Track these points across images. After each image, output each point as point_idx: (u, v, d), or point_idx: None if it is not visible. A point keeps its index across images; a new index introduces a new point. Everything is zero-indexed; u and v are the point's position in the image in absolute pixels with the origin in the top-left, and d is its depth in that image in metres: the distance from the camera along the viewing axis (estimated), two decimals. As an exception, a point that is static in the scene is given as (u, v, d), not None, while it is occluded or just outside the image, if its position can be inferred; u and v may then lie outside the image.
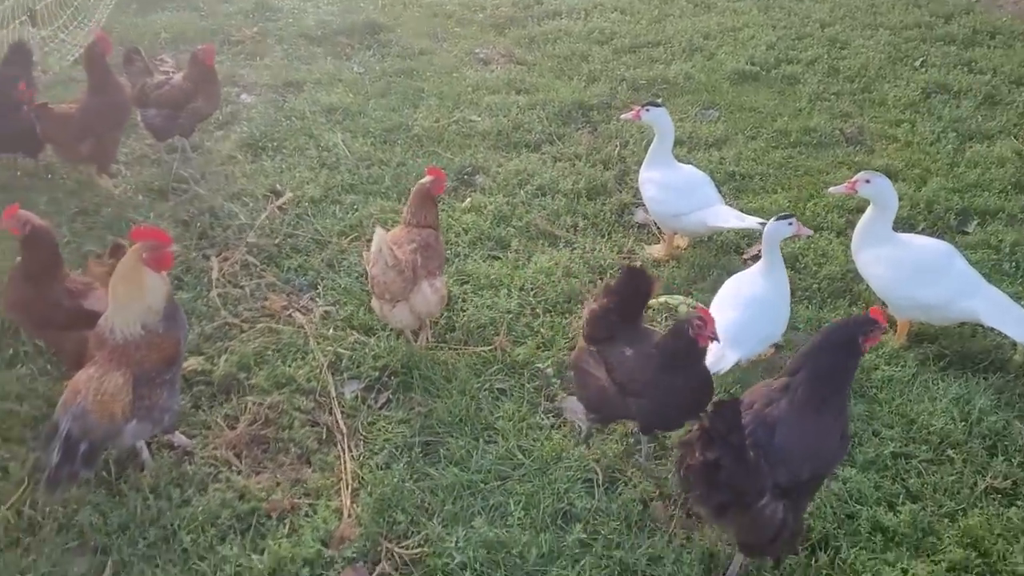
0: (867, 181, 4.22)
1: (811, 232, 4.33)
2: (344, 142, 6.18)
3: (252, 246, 4.97)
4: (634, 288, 3.42)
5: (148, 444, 3.60)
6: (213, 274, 4.70)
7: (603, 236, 5.17)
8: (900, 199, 4.40)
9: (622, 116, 5.10)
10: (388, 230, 4.09)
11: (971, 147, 5.95)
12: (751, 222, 4.63)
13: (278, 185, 5.59)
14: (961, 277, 4.09)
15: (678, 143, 6.18)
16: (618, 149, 6.14)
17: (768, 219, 4.61)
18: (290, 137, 6.25)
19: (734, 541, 3.11)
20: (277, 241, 5.03)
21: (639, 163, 5.21)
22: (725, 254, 5.02)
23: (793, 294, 4.51)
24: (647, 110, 4.85)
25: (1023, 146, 5.89)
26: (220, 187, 5.55)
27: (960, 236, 5.04)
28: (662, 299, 4.55)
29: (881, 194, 4.22)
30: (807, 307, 4.47)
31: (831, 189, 4.49)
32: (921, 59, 7.33)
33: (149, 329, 3.38)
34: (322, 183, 5.62)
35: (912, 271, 4.12)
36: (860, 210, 4.82)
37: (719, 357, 3.80)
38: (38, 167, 5.69)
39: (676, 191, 4.81)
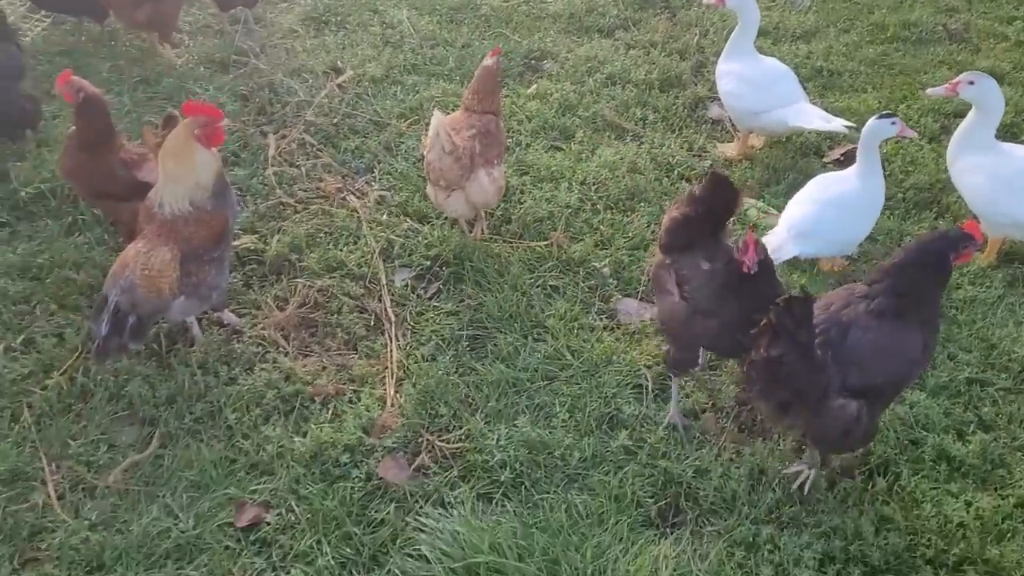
0: (971, 83, 3.85)
1: (915, 134, 3.98)
2: (409, 19, 5.91)
3: (310, 124, 4.83)
4: (720, 199, 3.09)
5: (199, 320, 3.59)
6: (270, 152, 4.59)
7: (673, 131, 4.88)
8: (1005, 104, 4.02)
9: (704, 1, 4.72)
10: (448, 114, 3.90)
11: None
12: (837, 124, 4.29)
13: (339, 62, 5.39)
14: None
15: (762, 34, 5.74)
16: (697, 38, 5.75)
17: (855, 121, 4.30)
18: (354, 12, 6.00)
19: (804, 436, 3.00)
20: (335, 121, 4.88)
21: (718, 54, 4.84)
22: (804, 156, 4.70)
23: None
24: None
25: None
26: (280, 62, 5.39)
27: (1068, 149, 4.61)
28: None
29: (986, 97, 3.85)
30: (890, 217, 4.16)
31: (929, 91, 4.11)
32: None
33: (198, 206, 3.31)
34: (384, 62, 5.41)
35: (1013, 184, 3.78)
36: (959, 115, 4.44)
37: (779, 245, 3.63)
38: (103, 33, 5.59)
39: (756, 86, 4.47)
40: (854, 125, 4.32)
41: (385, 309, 3.73)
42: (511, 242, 4.10)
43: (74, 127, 3.72)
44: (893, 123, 3.70)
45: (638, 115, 4.99)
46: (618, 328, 3.68)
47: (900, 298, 2.79)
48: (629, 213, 4.27)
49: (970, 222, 2.99)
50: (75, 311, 3.67)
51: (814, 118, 4.36)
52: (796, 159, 4.66)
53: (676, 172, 4.53)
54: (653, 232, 4.15)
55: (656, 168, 4.56)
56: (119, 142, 3.76)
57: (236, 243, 3.99)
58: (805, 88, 4.76)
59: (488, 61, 3.89)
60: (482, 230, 4.09)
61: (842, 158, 4.59)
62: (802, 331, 2.69)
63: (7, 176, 4.28)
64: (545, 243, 4.06)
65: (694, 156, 4.70)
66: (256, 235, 4.08)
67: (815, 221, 3.68)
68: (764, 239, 3.68)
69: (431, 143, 3.69)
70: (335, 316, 3.69)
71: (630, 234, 4.11)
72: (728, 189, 3.07)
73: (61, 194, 4.22)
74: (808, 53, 5.52)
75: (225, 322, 3.65)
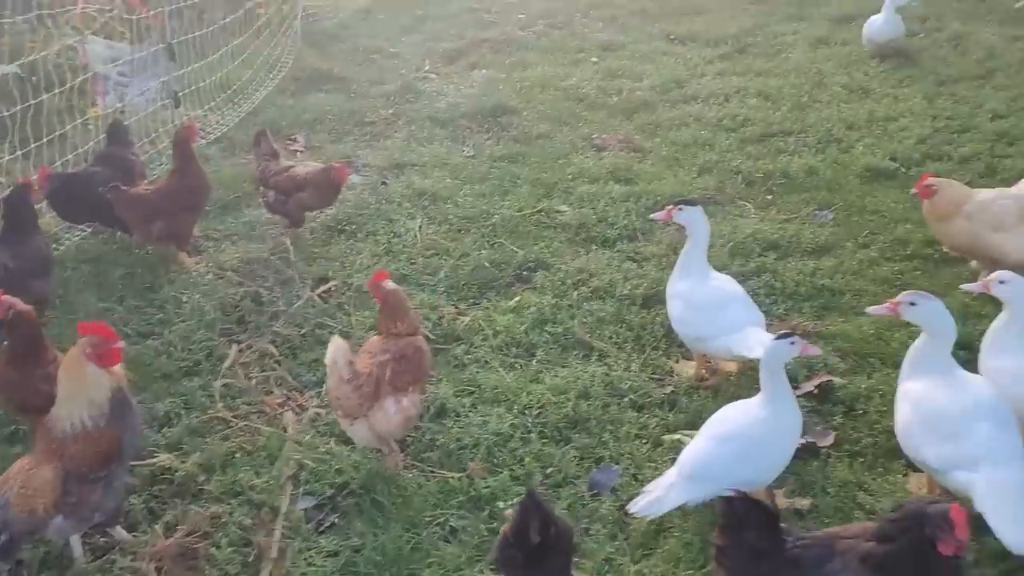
0: (912, 303, 3.45)
1: (818, 352, 3.57)
2: (420, 228, 6.04)
3: (277, 335, 4.88)
4: (529, 528, 2.57)
5: (93, 533, 3.52)
6: (226, 363, 4.64)
7: (643, 352, 4.58)
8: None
9: (652, 216, 4.55)
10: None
11: None
12: None
13: (330, 272, 5.51)
14: None
15: (775, 247, 5.48)
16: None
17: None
18: (371, 221, 6.20)
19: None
20: (304, 332, 4.92)
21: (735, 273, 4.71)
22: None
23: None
24: (680, 209, 4.27)
25: None
26: (273, 272, 5.55)
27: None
28: (676, 436, 3.91)
29: (929, 320, 3.43)
30: (851, 466, 3.64)
31: (869, 309, 3.68)
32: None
33: (88, 424, 3.32)
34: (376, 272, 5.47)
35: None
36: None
37: (664, 492, 3.25)
38: (133, 241, 6.01)
39: (703, 310, 4.15)
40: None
41: (271, 544, 3.52)
42: (428, 471, 3.85)
43: (6, 342, 3.89)
44: (792, 343, 3.36)
45: (611, 332, 4.74)
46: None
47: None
48: (562, 444, 3.95)
49: (955, 506, 2.52)
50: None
51: (755, 345, 3.90)
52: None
53: (627, 399, 4.19)
54: (586, 469, 3.80)
55: (608, 394, 4.24)
56: (49, 356, 3.88)
57: (153, 461, 3.96)
58: (783, 308, 4.41)
59: (387, 284, 3.86)
60: (397, 462, 3.86)
61: (816, 390, 4.12)
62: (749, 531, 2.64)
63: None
64: (459, 475, 3.78)
65: (654, 380, 4.36)
66: (177, 452, 4.04)
67: (709, 461, 3.27)
68: (650, 485, 3.32)
69: (329, 370, 3.59)
70: (215, 549, 3.52)
71: (552, 467, 3.78)
72: (536, 517, 2.56)
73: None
74: (815, 269, 5.16)
75: (116, 537, 3.56)
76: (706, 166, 6.76)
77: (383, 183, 6.91)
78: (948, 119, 7.09)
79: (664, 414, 4.09)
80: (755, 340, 3.90)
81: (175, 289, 5.36)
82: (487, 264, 5.50)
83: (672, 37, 10.55)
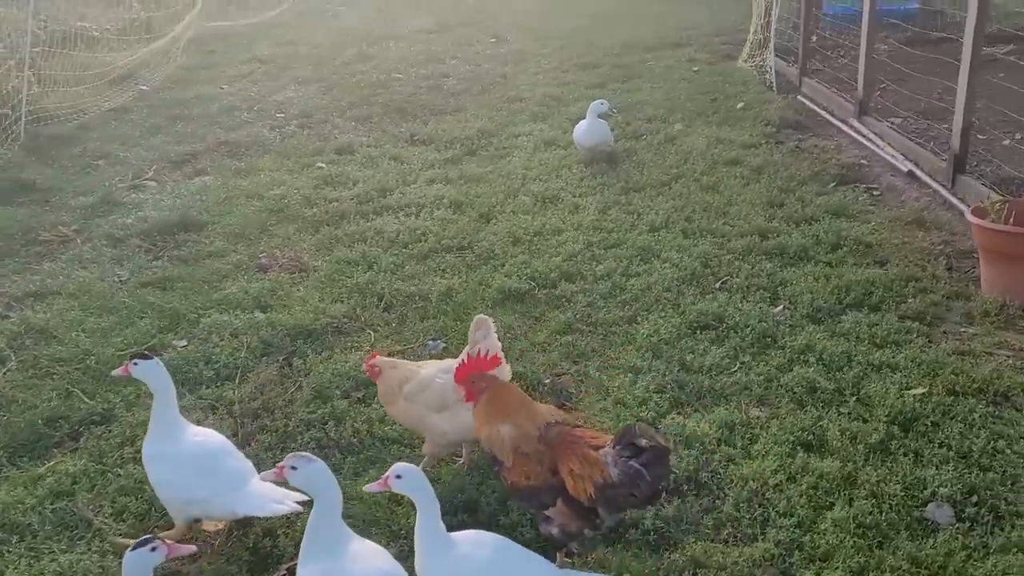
0: (293, 468, 3.24)
1: (193, 549, 3.21)
2: (13, 373, 5.42)
3: None
4: None
5: None
6: None
7: (145, 519, 4.07)
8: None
9: (113, 373, 4.12)
10: None
11: (681, 410, 4.58)
12: (290, 504, 3.67)
13: None
14: None
15: (366, 386, 5.09)
16: (292, 390, 5.11)
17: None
18: None
19: None
20: None
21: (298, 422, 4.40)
22: (261, 571, 3.81)
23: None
24: (135, 364, 3.91)
25: (746, 415, 4.47)
26: None
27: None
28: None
29: (310, 483, 3.24)
30: None
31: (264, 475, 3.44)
32: (722, 280, 6.01)
33: None
34: None
35: None
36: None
37: None
38: None
39: (195, 468, 3.77)
40: (304, 498, 3.70)
41: None
42: None
43: None
44: (154, 549, 3.03)
45: (124, 503, 4.20)
46: None
47: None
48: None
49: None
50: None
51: (267, 502, 3.66)
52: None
53: None
54: None
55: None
56: None
57: None
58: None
59: None
60: None
61: (287, 572, 3.69)
62: None
63: None
64: None
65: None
66: None
67: None
68: None
69: None
70: None
71: None
72: None
73: None
74: (383, 416, 4.76)
75: None
76: (356, 288, 6.39)
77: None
78: (608, 232, 6.97)
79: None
80: (266, 496, 3.66)
81: None
82: (40, 421, 4.92)
83: (415, 138, 10.40)
